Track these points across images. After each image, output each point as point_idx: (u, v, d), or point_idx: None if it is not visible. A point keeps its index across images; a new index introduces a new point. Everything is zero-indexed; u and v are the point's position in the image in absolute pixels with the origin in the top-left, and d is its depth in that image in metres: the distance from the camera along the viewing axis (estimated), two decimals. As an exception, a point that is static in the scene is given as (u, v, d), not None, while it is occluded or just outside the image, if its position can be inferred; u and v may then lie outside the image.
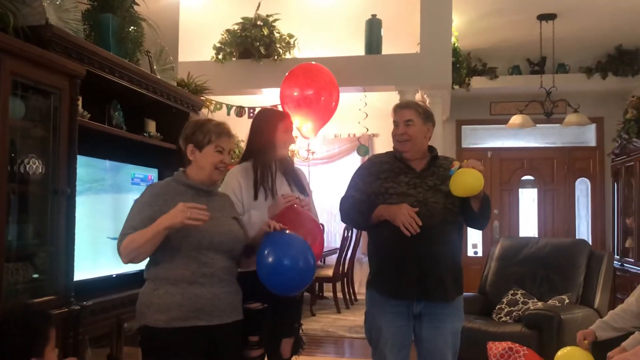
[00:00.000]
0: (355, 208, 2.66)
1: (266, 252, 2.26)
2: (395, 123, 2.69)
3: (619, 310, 3.25)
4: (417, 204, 2.54)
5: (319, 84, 3.01)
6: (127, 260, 2.17)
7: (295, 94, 3.01)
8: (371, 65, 6.01)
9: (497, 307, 4.25)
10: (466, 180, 2.49)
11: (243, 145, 4.86)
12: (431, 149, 2.75)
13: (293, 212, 2.62)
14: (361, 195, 2.67)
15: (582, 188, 7.83)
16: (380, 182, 2.64)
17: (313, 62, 3.18)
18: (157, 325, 2.18)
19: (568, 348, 3.08)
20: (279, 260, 2.24)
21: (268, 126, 2.77)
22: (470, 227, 2.78)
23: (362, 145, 7.59)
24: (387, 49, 6.26)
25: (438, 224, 2.56)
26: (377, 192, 2.63)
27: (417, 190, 2.59)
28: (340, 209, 2.72)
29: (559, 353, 3.03)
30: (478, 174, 2.48)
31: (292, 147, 2.90)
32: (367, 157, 8.29)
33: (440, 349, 2.61)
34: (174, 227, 2.10)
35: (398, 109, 2.72)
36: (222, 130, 2.30)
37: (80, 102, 2.83)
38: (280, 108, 5.99)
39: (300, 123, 2.93)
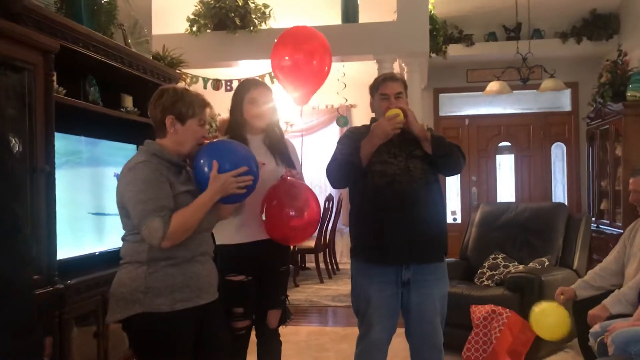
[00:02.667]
0: (344, 161, 2.63)
1: (202, 160, 2.13)
2: (385, 96, 2.67)
3: (598, 269, 3.33)
4: (400, 171, 2.60)
5: (310, 48, 2.93)
6: (173, 242, 2.01)
7: (286, 58, 2.92)
8: (348, 34, 5.97)
9: (478, 272, 4.32)
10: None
11: (219, 119, 4.81)
12: None
13: (286, 183, 2.61)
14: (347, 154, 2.67)
15: (558, 153, 7.93)
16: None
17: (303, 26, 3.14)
18: (160, 310, 2.04)
19: (544, 303, 3.13)
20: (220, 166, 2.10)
21: (236, 99, 2.73)
22: (445, 174, 2.87)
23: (341, 116, 7.58)
24: (363, 17, 6.22)
25: (421, 187, 2.61)
26: (357, 147, 2.62)
27: (398, 160, 2.63)
28: (329, 172, 2.68)
29: (535, 308, 3.08)
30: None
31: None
32: (346, 128, 8.31)
33: (429, 315, 2.64)
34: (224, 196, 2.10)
35: (388, 81, 2.70)
36: (205, 102, 2.18)
37: (55, 78, 2.76)
38: (260, 78, 5.93)
39: (292, 91, 2.87)
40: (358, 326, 2.77)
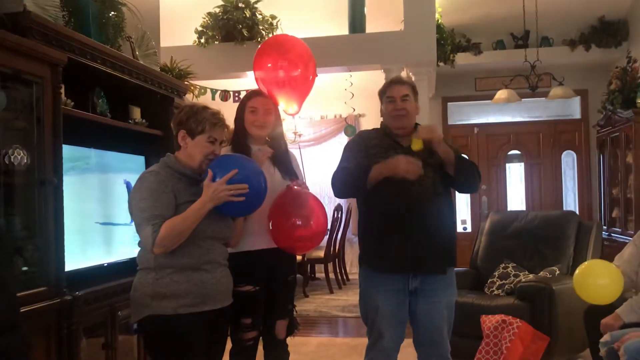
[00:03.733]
0: (351, 174, 2.63)
1: (208, 171, 2.20)
2: (391, 99, 2.69)
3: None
4: (408, 180, 2.54)
5: (291, 57, 2.87)
6: (163, 249, 2.12)
7: (267, 71, 2.86)
8: (355, 44, 5.98)
9: (489, 281, 4.29)
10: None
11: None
12: (416, 126, 2.78)
13: (293, 192, 2.62)
14: (354, 164, 2.67)
15: (568, 161, 7.88)
16: (370, 157, 2.63)
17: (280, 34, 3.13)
18: (165, 313, 2.16)
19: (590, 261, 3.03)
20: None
21: (239, 109, 2.76)
22: (460, 192, 2.87)
23: (349, 126, 7.59)
24: (370, 27, 6.23)
25: (430, 197, 2.59)
26: (367, 167, 2.62)
27: None
28: (334, 182, 2.69)
29: (581, 267, 2.98)
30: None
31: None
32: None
33: (437, 323, 2.65)
34: (217, 205, 2.14)
35: (394, 84, 2.72)
36: (217, 121, 2.26)
37: (62, 91, 2.79)
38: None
39: (282, 101, 2.84)
40: (367, 334, 2.78)
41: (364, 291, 2.74)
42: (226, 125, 2.32)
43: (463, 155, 2.74)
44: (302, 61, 2.84)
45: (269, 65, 2.79)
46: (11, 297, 1.57)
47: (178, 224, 2.12)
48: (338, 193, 2.71)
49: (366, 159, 2.64)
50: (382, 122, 2.80)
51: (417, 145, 2.51)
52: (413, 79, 6.00)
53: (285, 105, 2.82)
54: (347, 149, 2.76)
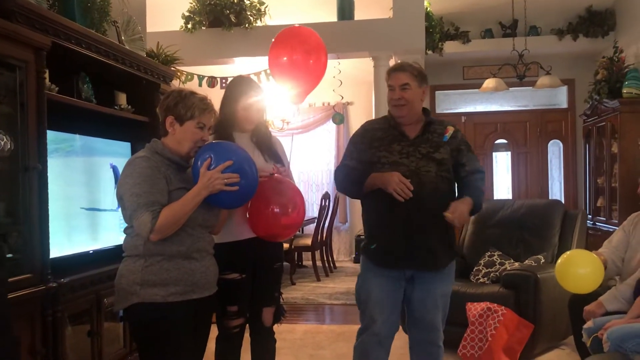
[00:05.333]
0: (349, 177, 2.63)
1: (199, 158, 2.17)
2: (391, 87, 2.62)
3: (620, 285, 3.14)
4: (409, 173, 2.50)
5: (307, 47, 2.90)
6: (161, 235, 2.08)
7: (284, 58, 2.89)
8: (344, 31, 5.96)
9: (474, 269, 4.32)
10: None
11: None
12: (426, 112, 2.70)
13: (273, 180, 2.60)
14: (355, 163, 2.63)
15: (555, 150, 7.93)
16: (373, 151, 2.60)
17: (298, 25, 3.16)
18: (154, 300, 2.13)
19: (568, 253, 3.05)
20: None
21: (229, 98, 2.73)
22: None
23: (337, 114, 7.57)
24: (359, 14, 6.20)
25: (429, 193, 2.53)
26: (369, 161, 2.60)
27: (410, 160, 2.56)
28: (335, 178, 2.71)
29: (562, 257, 2.99)
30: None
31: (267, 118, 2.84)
32: (342, 125, 8.30)
33: (430, 311, 2.64)
34: (212, 194, 2.13)
35: (393, 72, 2.64)
36: (206, 107, 2.23)
37: (47, 76, 2.74)
38: (254, 77, 5.92)
39: (289, 89, 2.85)
40: (360, 319, 2.76)
41: (362, 275, 2.74)
42: (214, 111, 2.29)
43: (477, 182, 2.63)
44: (315, 52, 2.89)
45: (285, 55, 2.84)
46: (2, 297, 1.53)
47: (177, 210, 2.09)
48: (339, 189, 2.74)
49: (369, 151, 2.60)
50: (389, 110, 2.73)
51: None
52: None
53: (292, 96, 2.85)
54: (352, 142, 2.71)
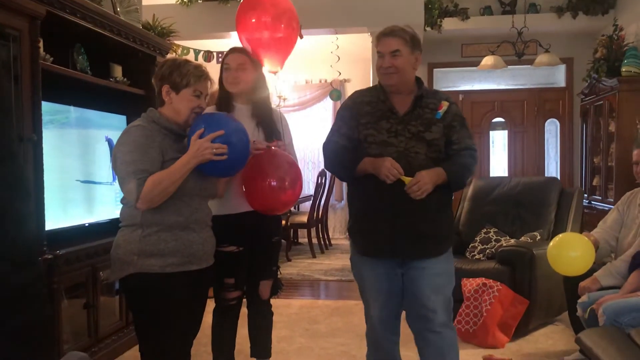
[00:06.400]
0: (338, 159, 2.43)
1: (193, 128, 2.17)
2: (380, 54, 2.38)
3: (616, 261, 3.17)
4: (397, 155, 2.30)
5: (274, 11, 2.76)
6: (147, 204, 2.06)
7: (250, 26, 2.76)
8: (342, 6, 5.89)
9: (470, 246, 4.33)
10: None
11: (210, 91, 4.68)
12: (419, 83, 2.46)
13: (270, 153, 2.58)
14: (345, 140, 2.41)
15: (551, 129, 7.92)
16: (360, 129, 2.38)
17: None
18: (151, 271, 2.11)
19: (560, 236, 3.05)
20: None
21: (220, 68, 2.73)
22: None
23: (334, 90, 7.53)
24: (358, -11, 6.12)
25: None
26: (356, 138, 2.39)
27: (399, 139, 2.34)
28: (324, 154, 2.49)
29: (555, 239, 3.00)
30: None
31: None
32: (339, 102, 8.24)
33: (425, 293, 2.38)
34: (201, 163, 2.10)
35: (382, 37, 2.39)
36: (202, 74, 2.21)
37: (41, 45, 2.71)
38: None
39: (264, 58, 2.76)
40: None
41: (352, 259, 2.56)
42: (210, 78, 2.27)
43: (463, 152, 2.38)
44: (285, 17, 2.76)
45: (253, 20, 2.71)
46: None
47: (164, 178, 2.07)
48: (328, 169, 2.55)
49: (356, 129, 2.38)
50: (379, 78, 2.47)
51: (405, 180, 2.26)
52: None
53: (268, 63, 2.76)
54: (339, 115, 2.48)
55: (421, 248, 2.36)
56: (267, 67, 2.78)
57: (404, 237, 2.33)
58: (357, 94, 2.52)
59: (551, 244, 2.99)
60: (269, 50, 2.72)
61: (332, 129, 2.48)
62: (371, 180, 2.31)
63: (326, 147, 2.47)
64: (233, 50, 2.74)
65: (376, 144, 2.34)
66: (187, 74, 2.17)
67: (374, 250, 2.41)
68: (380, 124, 2.36)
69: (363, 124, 2.38)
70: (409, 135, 2.34)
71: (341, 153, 2.40)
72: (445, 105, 2.39)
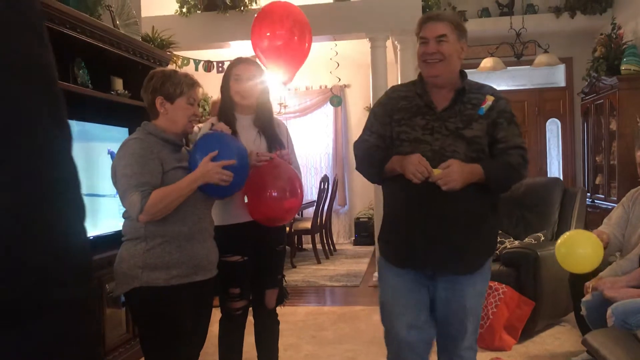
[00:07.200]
0: (367, 159, 2.21)
1: (198, 149, 2.22)
2: (424, 40, 2.12)
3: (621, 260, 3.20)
4: (432, 154, 2.04)
5: (289, 24, 2.80)
6: (150, 217, 2.06)
7: (265, 38, 2.81)
8: (340, 12, 5.91)
9: (474, 249, 4.32)
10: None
11: (211, 100, 4.72)
12: (462, 75, 2.21)
13: (271, 164, 2.58)
14: (376, 139, 2.19)
15: (553, 129, 7.92)
16: (394, 125, 2.15)
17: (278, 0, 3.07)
18: (156, 284, 2.12)
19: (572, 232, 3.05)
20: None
21: (224, 77, 2.71)
22: None
23: (335, 96, 7.53)
24: (355, -5, 6.13)
25: None
26: (389, 136, 2.17)
27: (434, 137, 2.08)
28: (355, 154, 2.27)
29: (562, 236, 3.00)
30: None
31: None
32: (339, 108, 8.25)
33: (456, 314, 2.15)
34: (208, 184, 2.14)
35: (429, 22, 2.14)
36: (193, 82, 2.24)
37: (42, 61, 2.72)
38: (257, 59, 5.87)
39: (275, 69, 2.78)
40: (381, 320, 2.32)
41: (379, 271, 2.32)
42: (200, 86, 2.29)
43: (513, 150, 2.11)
44: (298, 29, 2.79)
45: (268, 34, 2.74)
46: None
47: (169, 194, 2.09)
48: (358, 170, 2.30)
49: (389, 125, 2.16)
50: (420, 69, 2.23)
51: (437, 172, 2.00)
52: (398, 48, 5.95)
53: (280, 74, 2.78)
54: (372, 112, 2.27)
55: (455, 262, 2.09)
56: (279, 79, 2.81)
57: (436, 250, 2.07)
58: (393, 89, 2.31)
59: (559, 241, 2.99)
60: (283, 61, 2.75)
61: (364, 127, 2.28)
62: (400, 181, 2.06)
63: (357, 146, 2.27)
64: (242, 60, 2.73)
65: (409, 141, 2.10)
66: (179, 83, 2.19)
67: (400, 260, 2.18)
68: (414, 121, 2.12)
69: (397, 120, 2.16)
70: (447, 132, 2.08)
71: (371, 152, 2.18)
72: (490, 100, 2.13)
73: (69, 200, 0.61)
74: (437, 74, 2.12)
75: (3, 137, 0.53)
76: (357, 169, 2.30)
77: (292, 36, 2.73)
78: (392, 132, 2.15)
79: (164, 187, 2.09)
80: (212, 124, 2.50)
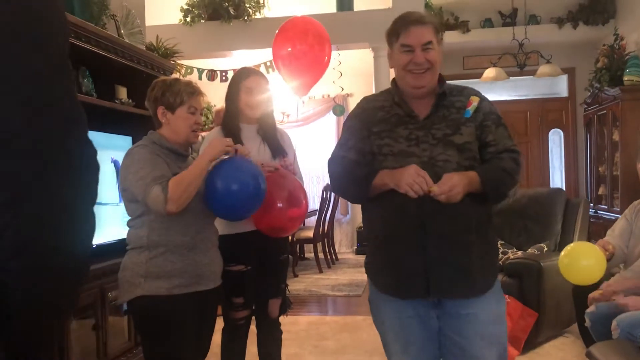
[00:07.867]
0: (349, 176, 1.92)
1: (217, 179, 2.21)
2: (408, 48, 1.90)
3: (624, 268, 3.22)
4: (422, 166, 1.80)
5: (311, 38, 2.83)
6: (177, 205, 2.04)
7: (288, 49, 2.84)
8: (343, 22, 5.94)
9: (477, 259, 4.31)
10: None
11: (215, 109, 4.72)
12: (440, 79, 2.00)
13: (276, 174, 2.59)
14: (356, 154, 1.93)
15: (555, 139, 7.93)
16: (373, 139, 1.92)
17: (301, 16, 3.13)
18: (158, 294, 2.11)
19: (572, 245, 3.04)
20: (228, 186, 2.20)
21: (232, 87, 2.72)
22: None
23: (337, 105, 7.55)
24: (358, 5, 6.18)
25: None
26: (369, 151, 1.92)
27: (421, 148, 1.86)
28: (330, 174, 1.99)
29: (566, 248, 2.98)
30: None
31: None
32: (342, 117, 8.26)
33: (471, 342, 1.86)
34: (215, 158, 2.17)
35: (412, 26, 1.90)
36: (194, 90, 2.23)
37: (47, 70, 2.73)
38: (261, 68, 5.90)
39: (292, 81, 2.80)
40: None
41: (371, 300, 2.05)
42: (203, 94, 2.29)
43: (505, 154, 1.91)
44: (319, 43, 2.82)
45: (289, 46, 2.76)
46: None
47: (184, 176, 2.09)
48: (335, 191, 2.05)
49: (369, 139, 1.92)
50: (393, 80, 2.01)
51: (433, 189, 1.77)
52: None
53: (296, 87, 2.80)
54: (346, 126, 2.02)
55: (464, 284, 1.84)
56: (295, 92, 2.84)
57: (440, 271, 1.82)
58: (367, 99, 2.07)
59: (563, 253, 2.98)
60: (302, 76, 2.78)
61: (337, 144, 2.02)
62: (391, 198, 1.82)
63: (331, 164, 1.99)
64: (252, 72, 2.74)
65: (393, 155, 1.87)
66: (179, 92, 2.19)
67: (399, 289, 1.89)
68: (396, 132, 1.89)
69: (376, 132, 1.92)
70: (434, 141, 1.87)
71: (351, 169, 1.91)
72: (475, 101, 1.95)
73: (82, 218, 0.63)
74: (425, 84, 1.92)
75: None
76: (334, 190, 2.06)
77: (312, 49, 2.78)
78: (372, 146, 1.91)
79: (176, 175, 2.10)
80: (230, 149, 2.28)
